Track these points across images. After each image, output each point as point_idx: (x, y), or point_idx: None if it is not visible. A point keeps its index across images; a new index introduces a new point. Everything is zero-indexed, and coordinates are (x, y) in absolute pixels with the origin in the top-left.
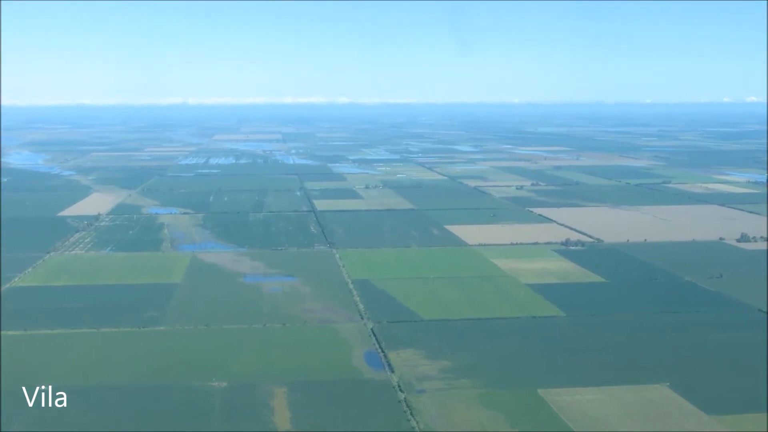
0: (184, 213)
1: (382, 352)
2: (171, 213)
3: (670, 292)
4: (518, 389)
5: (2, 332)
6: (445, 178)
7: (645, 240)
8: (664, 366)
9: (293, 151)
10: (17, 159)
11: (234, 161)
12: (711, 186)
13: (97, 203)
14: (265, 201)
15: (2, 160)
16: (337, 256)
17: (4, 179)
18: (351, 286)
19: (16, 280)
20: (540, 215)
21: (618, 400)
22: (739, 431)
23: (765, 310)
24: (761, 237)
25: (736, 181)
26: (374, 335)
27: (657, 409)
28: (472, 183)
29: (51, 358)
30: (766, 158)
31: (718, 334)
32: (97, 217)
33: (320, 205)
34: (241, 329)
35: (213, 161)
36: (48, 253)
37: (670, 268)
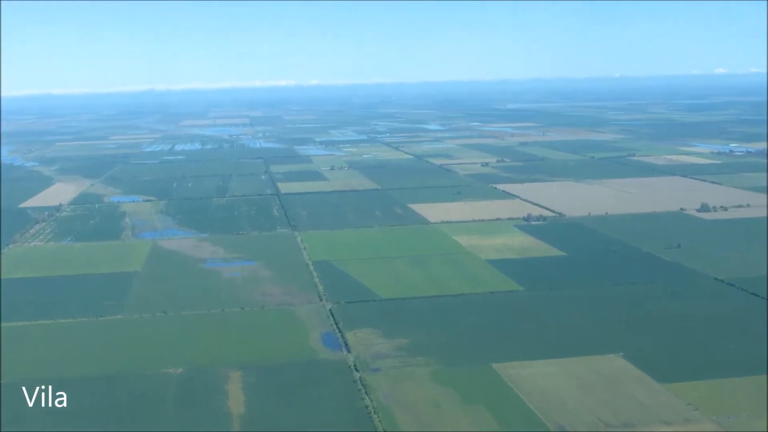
0: (147, 200)
1: (340, 332)
2: (133, 201)
3: (628, 264)
4: (473, 365)
5: None
6: (411, 157)
7: (606, 213)
8: (618, 337)
9: (260, 135)
10: None
11: (200, 147)
12: (674, 158)
13: (60, 193)
14: (229, 186)
15: None
16: (299, 238)
17: None
18: (311, 268)
19: None
20: (504, 191)
21: (571, 371)
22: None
23: (721, 278)
24: (721, 207)
25: (700, 152)
26: (332, 316)
27: (609, 379)
28: (438, 161)
29: (6, 352)
30: (742, 130)
31: (673, 304)
32: (58, 208)
33: (284, 188)
34: (199, 315)
35: (178, 147)
36: (7, 245)
37: (629, 240)
